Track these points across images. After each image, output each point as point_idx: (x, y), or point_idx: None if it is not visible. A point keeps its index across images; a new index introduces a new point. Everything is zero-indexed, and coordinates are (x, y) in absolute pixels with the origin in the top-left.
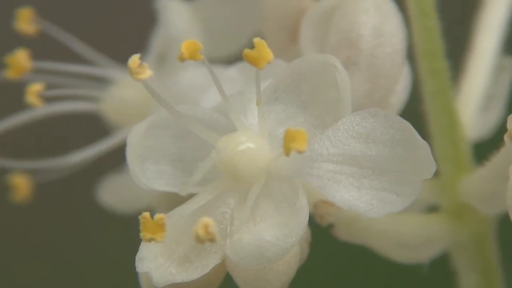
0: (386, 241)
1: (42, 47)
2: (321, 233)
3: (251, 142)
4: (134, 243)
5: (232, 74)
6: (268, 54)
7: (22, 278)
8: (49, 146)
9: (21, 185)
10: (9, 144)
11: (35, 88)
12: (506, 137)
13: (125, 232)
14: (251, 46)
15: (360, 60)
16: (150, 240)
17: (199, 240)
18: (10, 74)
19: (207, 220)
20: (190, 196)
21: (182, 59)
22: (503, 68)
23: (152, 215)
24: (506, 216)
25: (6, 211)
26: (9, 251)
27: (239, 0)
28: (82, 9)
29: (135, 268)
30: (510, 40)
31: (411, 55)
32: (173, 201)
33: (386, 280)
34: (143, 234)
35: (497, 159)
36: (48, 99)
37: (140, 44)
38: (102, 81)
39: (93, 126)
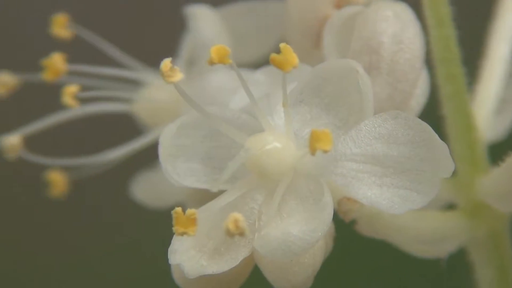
0: (406, 236)
1: (77, 51)
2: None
3: (277, 141)
4: (165, 238)
5: (259, 78)
6: (294, 58)
7: (55, 271)
8: (84, 144)
9: (58, 181)
10: (47, 143)
11: (70, 90)
12: None
13: (157, 227)
14: (278, 51)
15: (381, 66)
16: (182, 234)
17: (229, 234)
18: (47, 76)
19: (236, 215)
20: (220, 192)
21: (211, 63)
22: None
23: (184, 211)
24: None
25: (45, 206)
26: (45, 245)
27: (265, 8)
28: (116, 14)
29: (167, 261)
30: None
31: (429, 61)
32: (204, 197)
33: (404, 272)
34: (175, 228)
35: None
36: (83, 100)
37: (170, 49)
38: (134, 84)
39: (127, 126)
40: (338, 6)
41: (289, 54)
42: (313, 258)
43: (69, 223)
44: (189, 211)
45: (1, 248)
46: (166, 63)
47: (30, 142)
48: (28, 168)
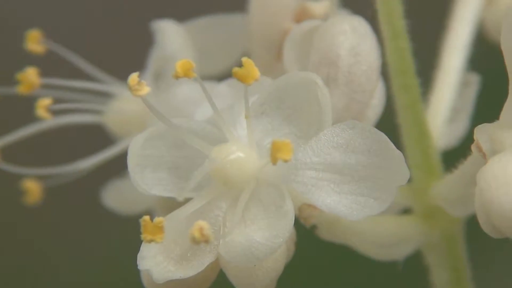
0: (365, 240)
1: (49, 65)
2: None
3: (240, 151)
4: (134, 243)
5: (222, 90)
6: (255, 72)
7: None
8: (57, 154)
9: (33, 189)
10: (21, 153)
11: (44, 103)
12: (473, 147)
13: (125, 232)
14: (240, 65)
15: (339, 77)
16: (150, 241)
17: (195, 241)
18: (21, 89)
19: (202, 223)
20: (186, 200)
21: (177, 77)
22: (468, 83)
23: (151, 218)
24: (473, 216)
25: (18, 212)
26: (19, 249)
27: (229, 22)
28: (87, 30)
29: (136, 266)
30: (473, 58)
31: (385, 73)
32: (171, 205)
33: (363, 274)
34: (144, 236)
35: (465, 166)
36: (55, 112)
37: (138, 62)
38: (104, 96)
39: (97, 137)
40: (298, 20)
41: (251, 67)
42: (276, 262)
43: (41, 227)
44: (157, 219)
45: None
46: (133, 77)
47: (5, 152)
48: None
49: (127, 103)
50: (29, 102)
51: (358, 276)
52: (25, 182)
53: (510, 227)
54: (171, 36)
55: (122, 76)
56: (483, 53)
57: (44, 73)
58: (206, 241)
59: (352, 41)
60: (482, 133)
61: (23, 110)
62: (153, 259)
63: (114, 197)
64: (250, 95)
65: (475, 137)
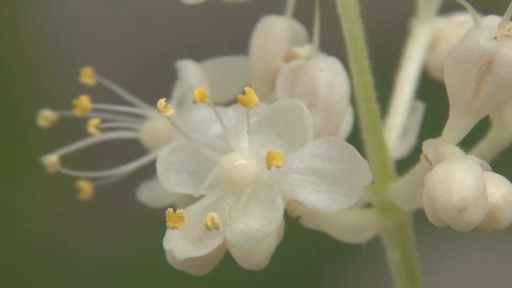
0: (337, 228)
1: (99, 94)
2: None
3: (243, 159)
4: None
5: (230, 112)
6: (255, 98)
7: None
8: (105, 161)
9: (86, 188)
10: (77, 161)
11: (94, 122)
12: (421, 157)
13: (156, 222)
14: (243, 93)
15: (318, 104)
16: (173, 228)
17: (208, 228)
18: (77, 112)
19: (213, 214)
20: (201, 197)
21: (195, 102)
22: (415, 109)
23: (174, 210)
24: (419, 210)
25: (75, 206)
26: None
27: (235, 62)
28: (128, 68)
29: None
30: (419, 89)
31: (353, 100)
32: (189, 200)
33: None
34: (168, 224)
35: (414, 172)
36: (103, 130)
37: (167, 92)
38: (140, 118)
39: (135, 149)
40: (287, 60)
41: (252, 95)
42: (269, 244)
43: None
44: (178, 211)
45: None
46: (161, 102)
47: (65, 160)
48: (63, 178)
49: (157, 123)
50: (83, 122)
51: (332, 252)
52: (80, 183)
53: (450, 218)
54: (191, 72)
55: (154, 102)
56: (427, 86)
57: (94, 99)
58: (216, 228)
59: (328, 76)
60: (428, 146)
61: (79, 128)
62: (175, 242)
63: (146, 194)
64: (251, 117)
65: (423, 149)
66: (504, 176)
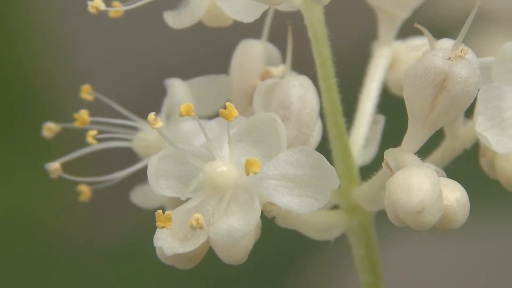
0: (308, 227)
1: (97, 108)
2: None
3: (224, 166)
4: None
5: (212, 125)
6: (235, 112)
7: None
8: (102, 168)
9: (85, 191)
10: (77, 168)
11: (92, 133)
12: (383, 164)
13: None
14: (224, 107)
15: (291, 117)
16: (162, 227)
17: (193, 227)
18: (77, 124)
19: (197, 215)
20: (187, 199)
21: (181, 115)
22: (377, 121)
23: (163, 212)
24: (381, 211)
25: (77, 207)
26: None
27: (217, 80)
28: (124, 86)
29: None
30: (380, 104)
31: (322, 114)
32: (177, 202)
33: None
34: (157, 224)
35: (376, 177)
36: (100, 140)
37: (157, 107)
38: (133, 129)
39: (129, 156)
40: (263, 79)
41: (232, 109)
42: (248, 242)
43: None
44: (167, 212)
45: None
46: (151, 115)
47: (66, 166)
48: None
49: (148, 134)
50: (83, 132)
51: (304, 248)
52: (80, 186)
53: (409, 219)
54: (178, 89)
55: (146, 116)
56: (387, 101)
57: (92, 113)
58: (201, 227)
59: (300, 92)
60: (389, 154)
61: (79, 138)
62: (164, 239)
63: (139, 196)
64: (231, 128)
65: (384, 157)
66: (456, 181)
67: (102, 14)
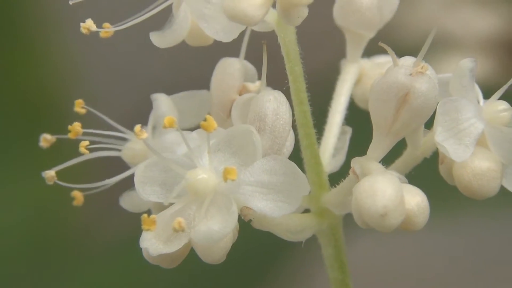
0: (281, 229)
1: (89, 121)
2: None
3: (204, 174)
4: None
5: (193, 136)
6: (214, 124)
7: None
8: (93, 175)
9: (78, 197)
10: (71, 175)
11: (84, 143)
12: (350, 171)
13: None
14: (205, 119)
15: (266, 128)
16: (147, 230)
17: (175, 230)
18: (71, 135)
19: (180, 219)
20: (170, 204)
21: (165, 127)
22: (344, 132)
23: (149, 215)
24: (349, 214)
25: (72, 211)
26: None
27: (198, 95)
28: (116, 100)
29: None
30: (347, 117)
31: (294, 125)
32: (161, 207)
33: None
34: (143, 227)
35: (344, 183)
36: (91, 150)
37: (144, 119)
38: (122, 140)
39: (118, 165)
40: (240, 93)
41: (211, 121)
42: (226, 243)
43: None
44: (151, 216)
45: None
46: (137, 127)
47: (60, 174)
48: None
49: (135, 144)
50: (76, 142)
51: (277, 249)
52: (73, 192)
53: (374, 222)
54: (162, 103)
55: (132, 128)
56: (354, 113)
57: (84, 125)
58: (183, 230)
59: (274, 106)
60: (356, 162)
61: (72, 148)
62: (149, 241)
63: (127, 201)
64: (211, 139)
65: (351, 165)
66: (417, 187)
67: (113, 40)
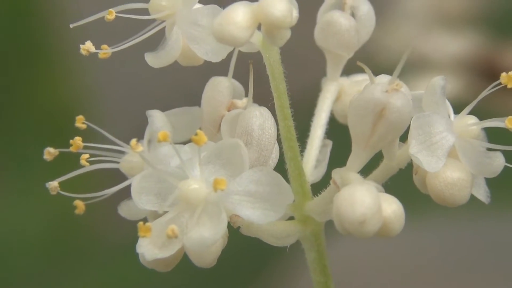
0: (267, 235)
1: (89, 135)
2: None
3: (196, 184)
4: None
5: (186, 149)
6: (205, 138)
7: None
8: (93, 186)
9: (80, 205)
10: (73, 186)
11: (85, 156)
12: (331, 182)
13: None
14: (196, 134)
15: (253, 142)
16: (143, 236)
17: (169, 236)
18: (72, 149)
19: (173, 226)
20: (164, 212)
21: (159, 141)
22: (325, 145)
23: (144, 223)
24: (330, 221)
25: (74, 219)
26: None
27: (190, 111)
28: (114, 116)
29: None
30: (328, 131)
31: (279, 139)
32: (156, 215)
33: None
34: (139, 233)
35: (325, 193)
36: (91, 162)
37: (140, 134)
38: (120, 153)
39: (117, 176)
40: (229, 109)
41: (202, 136)
42: (216, 248)
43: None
44: (147, 223)
45: None
46: (133, 141)
47: (63, 184)
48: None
49: (132, 157)
50: (77, 156)
51: (264, 253)
52: (76, 202)
53: (353, 228)
54: (157, 119)
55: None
56: (334, 128)
57: (85, 139)
58: (176, 237)
59: (260, 121)
60: (336, 173)
61: (73, 161)
62: (145, 247)
63: (125, 210)
64: (202, 152)
65: (332, 176)
66: (393, 195)
67: (124, 64)
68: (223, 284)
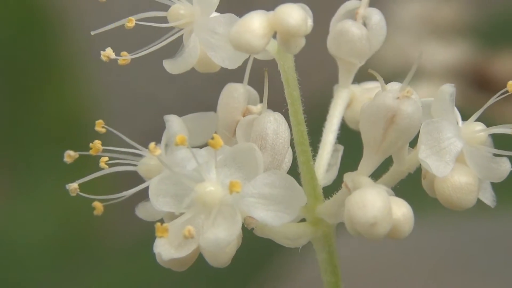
0: (281, 236)
1: (108, 139)
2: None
3: (212, 187)
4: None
5: (202, 152)
6: (221, 142)
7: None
8: (112, 187)
9: (99, 207)
10: (92, 187)
11: (104, 159)
12: (343, 185)
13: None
14: (212, 138)
15: (267, 146)
16: (160, 236)
17: (186, 237)
18: (92, 152)
19: (189, 227)
20: (181, 214)
21: (176, 145)
22: (337, 150)
23: (162, 223)
24: (341, 223)
25: (93, 220)
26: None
27: (207, 116)
28: (131, 122)
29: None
30: (339, 136)
31: (292, 144)
32: (173, 216)
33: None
34: (156, 234)
35: (337, 196)
36: (110, 165)
37: (158, 138)
38: (138, 156)
39: (135, 179)
40: (244, 115)
41: (218, 140)
42: (231, 249)
43: (105, 227)
44: (164, 224)
45: None
46: (151, 144)
47: (83, 186)
48: (82, 200)
49: (150, 160)
50: (97, 159)
51: (278, 253)
52: (94, 203)
53: (364, 231)
54: (174, 123)
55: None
56: (345, 133)
57: (104, 143)
58: (192, 237)
59: (274, 126)
60: (348, 177)
61: (94, 164)
62: (162, 247)
63: (142, 211)
64: (218, 155)
65: (344, 179)
66: (403, 199)
67: (131, 71)
68: (223, 284)
